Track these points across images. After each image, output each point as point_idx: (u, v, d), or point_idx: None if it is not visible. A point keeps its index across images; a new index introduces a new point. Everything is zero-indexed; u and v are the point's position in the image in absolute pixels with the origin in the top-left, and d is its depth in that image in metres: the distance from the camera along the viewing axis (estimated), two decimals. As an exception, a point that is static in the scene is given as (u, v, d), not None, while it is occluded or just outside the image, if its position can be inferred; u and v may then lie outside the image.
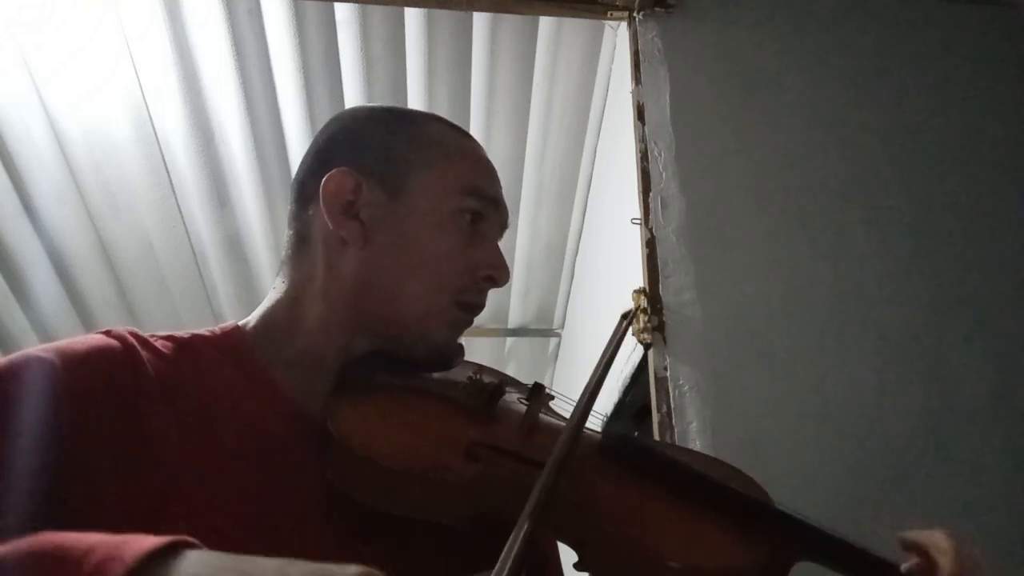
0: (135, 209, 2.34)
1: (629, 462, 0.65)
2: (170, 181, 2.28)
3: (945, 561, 0.57)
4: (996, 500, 1.38)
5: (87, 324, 2.69)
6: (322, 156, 0.74)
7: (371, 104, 0.74)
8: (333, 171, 0.70)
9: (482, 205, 0.73)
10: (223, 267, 2.59)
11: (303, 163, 0.76)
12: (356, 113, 0.80)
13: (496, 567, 0.45)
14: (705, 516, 0.61)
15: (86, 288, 2.59)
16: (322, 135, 0.77)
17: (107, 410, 0.58)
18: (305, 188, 0.74)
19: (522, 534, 0.48)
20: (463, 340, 0.76)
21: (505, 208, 0.77)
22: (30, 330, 2.64)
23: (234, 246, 2.51)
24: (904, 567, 0.59)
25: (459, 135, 0.77)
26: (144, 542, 0.40)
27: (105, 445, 0.57)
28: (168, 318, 2.70)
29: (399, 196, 0.71)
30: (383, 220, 0.70)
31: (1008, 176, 1.66)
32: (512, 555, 0.46)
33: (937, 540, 0.59)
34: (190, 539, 0.41)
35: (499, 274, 0.73)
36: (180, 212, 2.38)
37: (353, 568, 0.39)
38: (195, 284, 2.64)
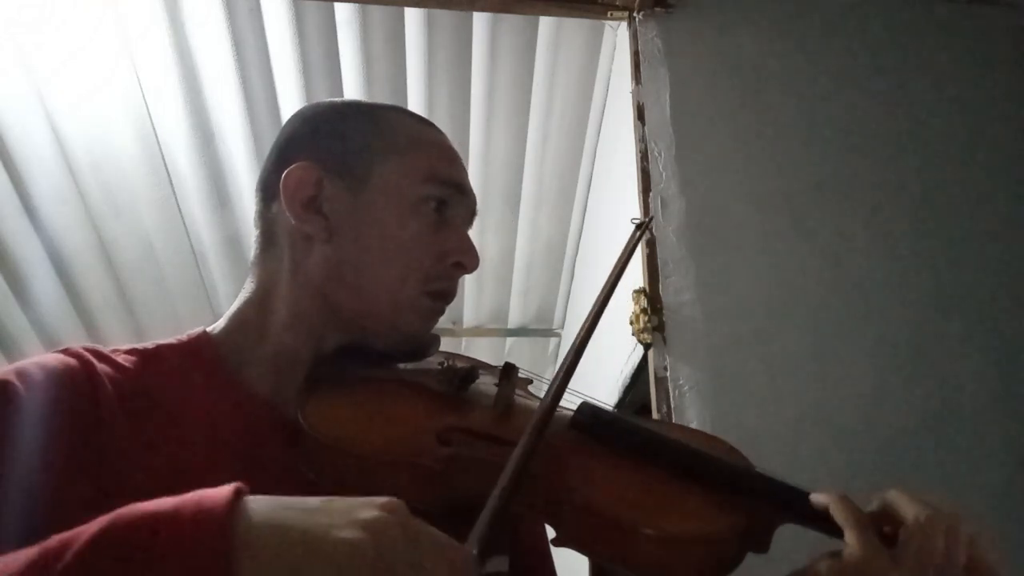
0: (135, 209, 2.34)
1: (599, 434, 0.65)
2: (170, 181, 2.28)
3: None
4: (996, 500, 1.38)
5: (87, 324, 2.69)
6: (283, 152, 0.73)
7: (332, 99, 0.74)
8: (292, 166, 0.69)
9: (446, 192, 0.72)
10: (223, 267, 2.59)
11: (266, 161, 0.75)
12: (317, 108, 0.78)
13: (469, 538, 0.45)
14: (681, 484, 0.61)
15: (86, 288, 2.59)
16: (283, 132, 0.76)
17: (66, 435, 0.57)
18: (268, 186, 0.73)
19: (494, 502, 0.48)
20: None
21: (472, 194, 0.75)
22: (30, 330, 2.64)
23: (234, 246, 2.51)
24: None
25: (419, 123, 0.76)
26: (217, 491, 0.42)
27: (68, 470, 0.56)
28: (168, 318, 2.70)
29: (361, 188, 0.70)
30: (347, 213, 0.70)
31: (1008, 176, 1.66)
32: (486, 523, 0.46)
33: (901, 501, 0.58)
34: (242, 487, 0.43)
35: (468, 259, 0.72)
36: (180, 212, 2.38)
37: (379, 501, 0.43)
38: (195, 284, 2.64)
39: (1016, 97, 1.73)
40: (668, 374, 1.40)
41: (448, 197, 0.72)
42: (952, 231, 1.59)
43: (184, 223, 2.42)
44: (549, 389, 0.61)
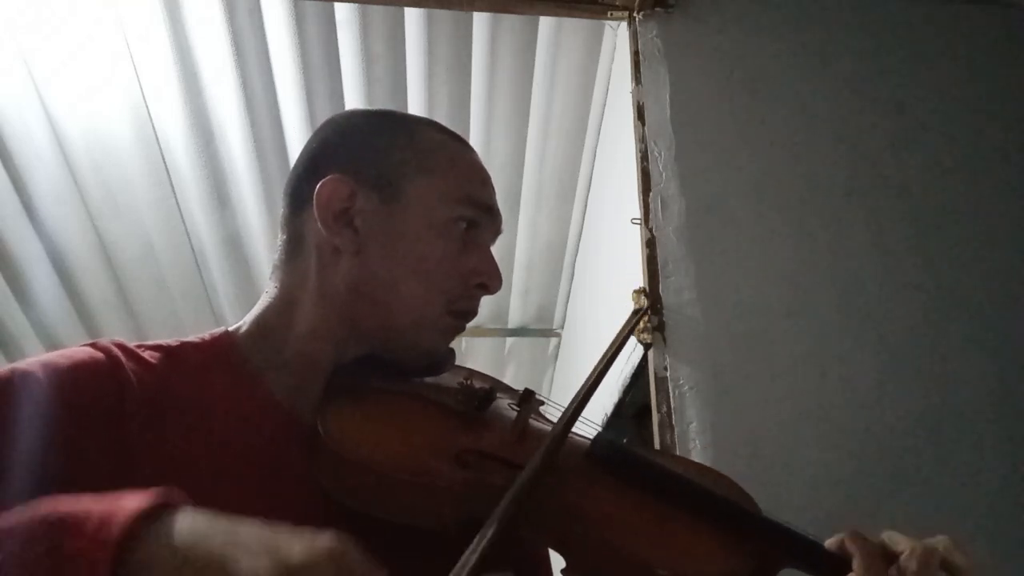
0: (135, 209, 2.34)
1: (616, 468, 0.65)
2: (170, 181, 2.28)
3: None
4: (996, 500, 1.38)
5: (87, 324, 2.69)
6: (316, 161, 0.74)
7: (365, 108, 0.76)
8: (327, 178, 0.70)
9: (476, 213, 0.73)
10: (223, 267, 2.59)
11: (296, 167, 0.76)
12: (351, 117, 0.80)
13: (460, 560, 0.45)
14: (693, 523, 0.62)
15: (86, 288, 2.59)
16: (316, 139, 0.76)
17: (90, 426, 0.58)
18: (299, 193, 0.73)
19: (492, 530, 0.48)
20: (464, 340, 0.76)
21: (499, 215, 0.76)
22: (30, 331, 2.64)
23: (234, 246, 2.51)
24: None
25: (454, 141, 0.76)
26: (131, 504, 0.41)
27: (89, 460, 0.56)
28: (168, 318, 2.70)
29: (393, 203, 0.70)
30: (377, 227, 0.70)
31: (1008, 176, 1.66)
32: (479, 549, 0.46)
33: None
34: (172, 496, 0.43)
35: (492, 282, 0.73)
36: (180, 212, 2.38)
37: (325, 538, 0.41)
38: (195, 284, 2.64)
39: (1016, 97, 1.73)
40: (668, 374, 1.40)
41: (477, 218, 0.73)
42: (952, 231, 1.59)
43: (184, 223, 2.42)
44: (562, 417, 0.62)
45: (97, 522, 0.41)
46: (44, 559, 0.40)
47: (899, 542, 0.58)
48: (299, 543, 0.40)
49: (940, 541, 0.58)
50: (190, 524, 0.41)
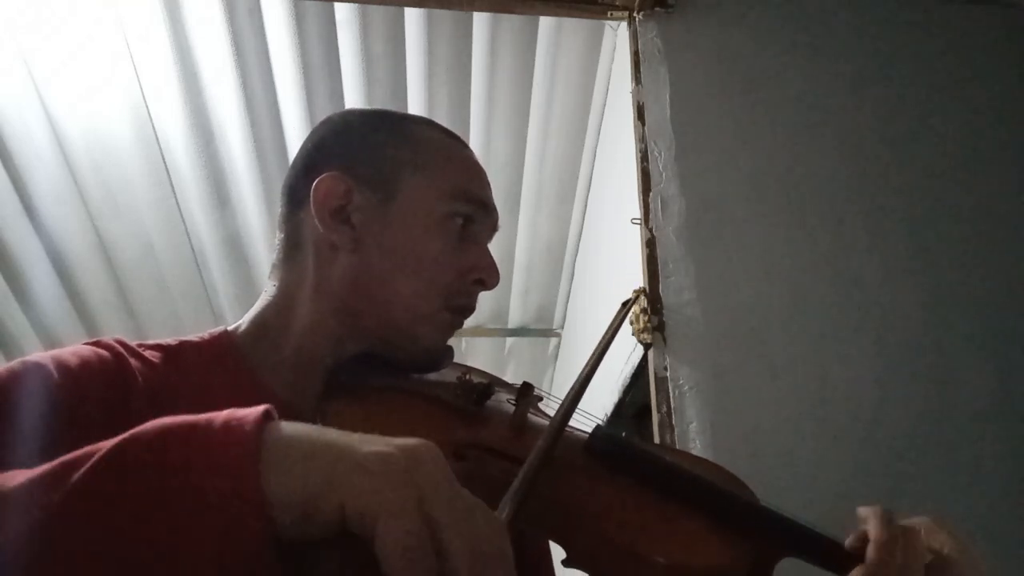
0: (135, 209, 2.34)
1: (614, 460, 0.66)
2: (170, 181, 2.28)
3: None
4: (996, 500, 1.38)
5: (87, 324, 2.69)
6: (312, 159, 0.74)
7: (362, 108, 0.76)
8: (323, 175, 0.70)
9: (472, 209, 0.73)
10: (223, 267, 2.59)
11: (293, 166, 0.76)
12: (347, 116, 0.80)
13: None
14: (692, 514, 0.62)
15: (86, 288, 2.59)
16: (312, 138, 0.77)
17: (92, 428, 0.58)
18: (295, 191, 0.74)
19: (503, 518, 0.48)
20: (464, 340, 0.76)
21: (495, 211, 0.77)
22: (30, 330, 2.64)
23: (234, 246, 2.51)
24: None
25: (449, 139, 0.77)
26: (247, 408, 0.42)
27: None
28: (168, 318, 2.70)
29: (390, 200, 0.71)
30: (374, 224, 0.70)
31: (1008, 176, 1.66)
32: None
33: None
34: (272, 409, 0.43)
35: (489, 277, 0.73)
36: (180, 212, 2.38)
37: (414, 441, 0.42)
38: (195, 284, 2.64)
39: (1016, 97, 1.73)
40: (668, 374, 1.40)
41: (473, 214, 0.73)
42: (952, 231, 1.59)
43: (184, 223, 2.42)
44: (558, 411, 0.62)
45: (223, 419, 0.41)
46: (164, 464, 0.39)
47: (870, 525, 0.59)
48: (400, 438, 0.42)
49: (920, 522, 0.59)
50: (297, 426, 0.43)
